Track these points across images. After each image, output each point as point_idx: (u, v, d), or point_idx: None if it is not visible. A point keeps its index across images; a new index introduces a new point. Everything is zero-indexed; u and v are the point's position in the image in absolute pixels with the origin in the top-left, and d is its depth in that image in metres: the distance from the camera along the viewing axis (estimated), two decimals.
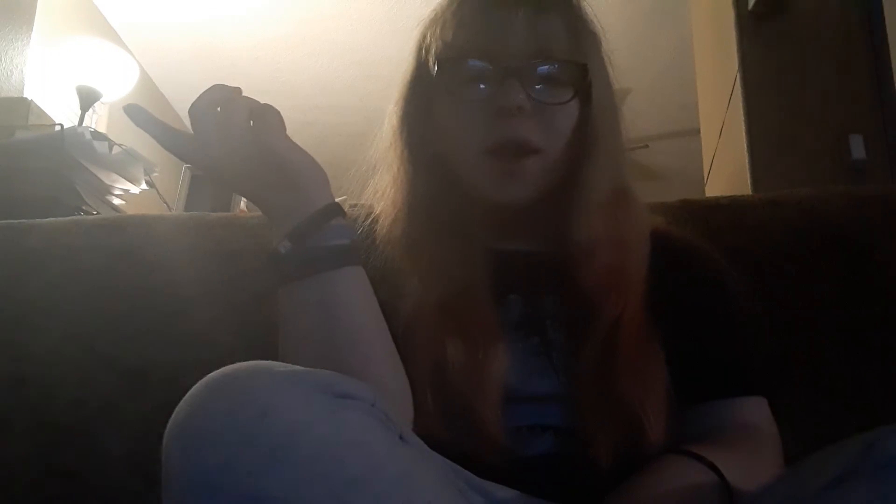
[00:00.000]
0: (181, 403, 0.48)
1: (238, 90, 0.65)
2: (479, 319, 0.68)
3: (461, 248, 0.72)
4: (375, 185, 0.80)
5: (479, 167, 0.71)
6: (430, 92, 0.76)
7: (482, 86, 0.71)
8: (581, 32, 0.74)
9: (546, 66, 0.70)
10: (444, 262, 0.71)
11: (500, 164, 0.70)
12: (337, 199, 0.70)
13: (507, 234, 0.77)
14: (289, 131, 0.70)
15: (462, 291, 0.70)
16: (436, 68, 0.73)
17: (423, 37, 0.78)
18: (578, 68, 0.71)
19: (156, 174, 1.78)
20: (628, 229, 0.74)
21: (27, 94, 2.31)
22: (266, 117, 0.65)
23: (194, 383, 0.49)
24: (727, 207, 1.01)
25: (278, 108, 0.69)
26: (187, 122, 0.66)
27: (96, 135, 1.62)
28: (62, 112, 2.44)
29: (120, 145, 1.65)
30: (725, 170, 2.12)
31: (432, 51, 0.75)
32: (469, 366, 0.65)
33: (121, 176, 1.66)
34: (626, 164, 0.78)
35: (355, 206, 0.82)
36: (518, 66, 0.69)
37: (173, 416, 0.47)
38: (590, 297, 0.69)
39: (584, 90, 0.72)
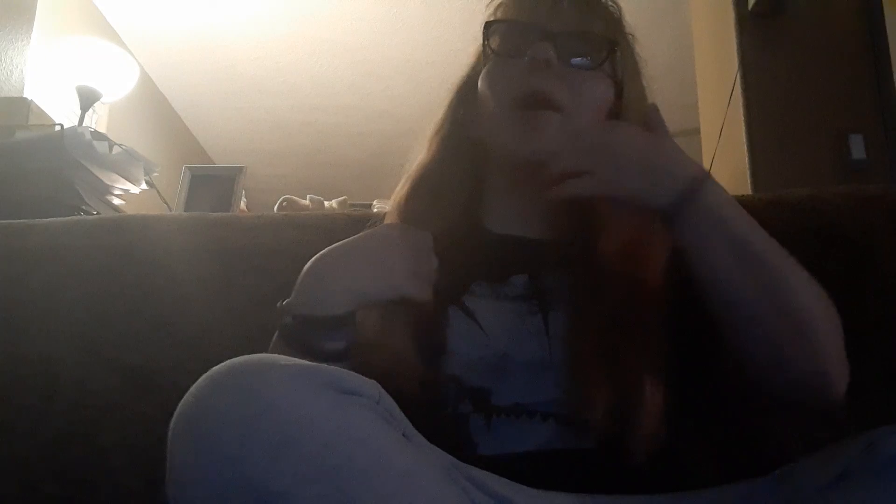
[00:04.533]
0: (186, 397, 0.48)
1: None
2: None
3: (450, 214, 0.78)
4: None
5: (504, 120, 0.76)
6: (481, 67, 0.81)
7: (519, 43, 0.77)
8: (617, 28, 0.82)
9: (578, 35, 0.77)
10: (426, 217, 0.76)
11: (521, 115, 0.75)
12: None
13: (524, 221, 0.79)
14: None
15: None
16: (484, 30, 0.80)
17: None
18: (607, 43, 0.78)
19: (156, 174, 1.78)
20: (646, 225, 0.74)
21: (27, 94, 2.30)
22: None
23: (194, 383, 0.49)
24: None
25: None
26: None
27: (96, 135, 1.61)
28: (62, 112, 2.44)
29: (120, 145, 1.65)
30: (725, 170, 2.12)
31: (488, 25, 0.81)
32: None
33: (121, 176, 1.66)
34: None
35: (355, 205, 0.83)
36: (555, 31, 0.76)
37: (178, 409, 0.47)
38: (605, 274, 0.70)
39: (611, 64, 0.78)
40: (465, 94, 0.83)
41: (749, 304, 0.64)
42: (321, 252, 0.68)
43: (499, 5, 0.82)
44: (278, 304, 0.67)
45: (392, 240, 0.68)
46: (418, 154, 0.85)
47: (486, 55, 0.80)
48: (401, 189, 0.82)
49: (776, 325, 0.63)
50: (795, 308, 0.63)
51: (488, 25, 0.80)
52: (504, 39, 0.79)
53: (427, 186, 0.80)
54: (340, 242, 0.69)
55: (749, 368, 0.67)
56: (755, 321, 0.64)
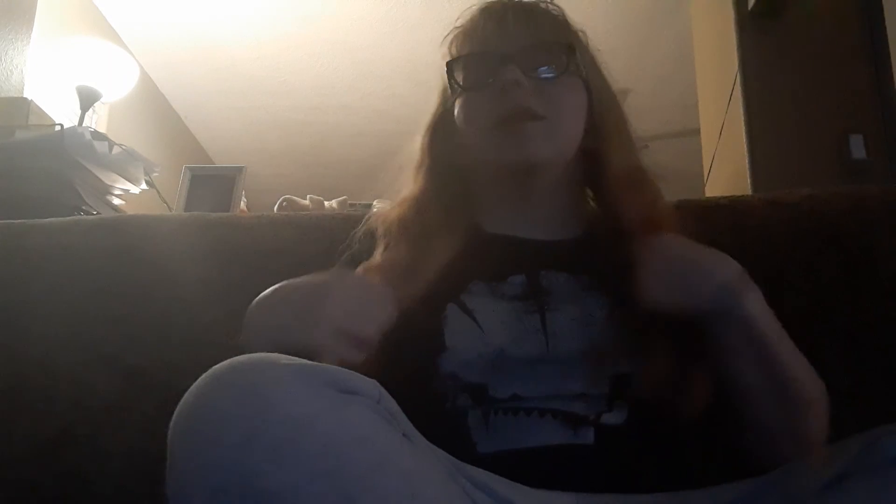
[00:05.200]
0: (186, 395, 0.48)
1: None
2: (420, 280, 0.71)
3: (451, 225, 0.79)
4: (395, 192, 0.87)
5: (491, 139, 0.78)
6: (451, 106, 0.84)
7: (485, 74, 0.79)
8: (564, 28, 0.83)
9: (535, 48, 0.79)
10: (427, 231, 0.78)
11: (506, 129, 0.77)
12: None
13: (520, 225, 0.81)
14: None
15: (425, 257, 0.74)
16: (447, 73, 0.82)
17: (444, 62, 0.86)
18: (564, 47, 0.80)
19: (156, 174, 1.78)
20: (649, 200, 0.79)
21: (27, 94, 2.30)
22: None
23: (194, 382, 0.49)
24: (727, 207, 1.01)
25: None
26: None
27: (96, 135, 1.61)
28: (62, 112, 2.44)
29: (120, 145, 1.65)
30: (725, 170, 2.12)
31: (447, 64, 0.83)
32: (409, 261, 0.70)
33: (121, 176, 1.66)
34: (637, 151, 0.85)
35: (355, 206, 0.84)
36: (512, 52, 0.78)
37: (178, 408, 0.47)
38: (603, 275, 0.73)
39: (573, 65, 0.80)
40: (440, 131, 0.85)
41: (758, 395, 0.67)
42: (262, 293, 0.65)
43: (451, 43, 0.84)
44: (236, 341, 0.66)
45: (331, 290, 0.61)
46: (403, 187, 0.86)
47: (454, 91, 0.82)
48: (397, 209, 0.83)
49: (777, 414, 0.66)
50: (798, 404, 0.66)
51: (449, 65, 0.82)
52: (468, 73, 0.81)
53: (424, 204, 0.82)
54: (283, 283, 0.65)
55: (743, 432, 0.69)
56: (758, 407, 0.67)
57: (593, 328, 0.70)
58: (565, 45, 0.80)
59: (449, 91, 0.84)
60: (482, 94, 0.79)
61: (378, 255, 0.79)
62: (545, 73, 0.78)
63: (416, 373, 0.69)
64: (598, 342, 0.69)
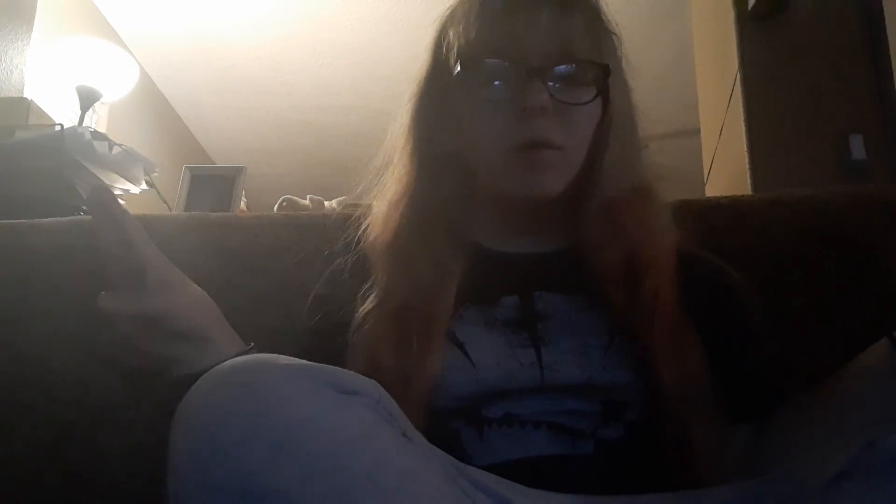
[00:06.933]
0: (187, 396, 0.48)
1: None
2: (426, 326, 0.68)
3: (443, 251, 0.74)
4: (383, 183, 0.81)
5: (503, 164, 0.72)
6: (447, 89, 0.77)
7: (505, 85, 0.72)
8: (601, 33, 0.76)
9: (568, 67, 0.72)
10: (420, 263, 0.72)
11: (522, 160, 0.71)
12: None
13: (515, 235, 0.79)
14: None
15: (424, 296, 0.70)
16: (458, 67, 0.74)
17: (442, 33, 0.79)
18: (600, 69, 0.73)
19: (156, 174, 1.78)
20: (646, 225, 0.74)
21: (27, 94, 2.30)
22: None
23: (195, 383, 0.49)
24: (727, 207, 1.01)
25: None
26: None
27: (96, 135, 1.61)
28: (62, 112, 2.44)
29: (120, 145, 1.65)
30: (725, 170, 2.12)
31: (454, 48, 0.76)
32: (398, 370, 0.65)
33: (121, 176, 1.66)
34: (643, 164, 0.80)
35: (355, 206, 0.83)
36: (541, 66, 0.70)
37: (178, 409, 0.48)
38: (601, 293, 0.70)
39: (604, 91, 0.73)
40: (427, 105, 0.79)
41: None
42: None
43: (466, 17, 0.75)
44: None
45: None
46: (389, 172, 0.80)
47: (462, 84, 0.74)
48: (385, 216, 0.77)
49: None
50: None
51: (464, 58, 0.73)
52: (485, 76, 0.72)
53: (415, 216, 0.76)
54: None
55: None
56: None
57: (591, 361, 0.67)
58: (601, 68, 0.73)
59: (448, 63, 0.75)
60: (498, 109, 0.72)
61: (378, 287, 0.73)
62: (572, 99, 0.71)
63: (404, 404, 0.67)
64: (594, 378, 0.67)
